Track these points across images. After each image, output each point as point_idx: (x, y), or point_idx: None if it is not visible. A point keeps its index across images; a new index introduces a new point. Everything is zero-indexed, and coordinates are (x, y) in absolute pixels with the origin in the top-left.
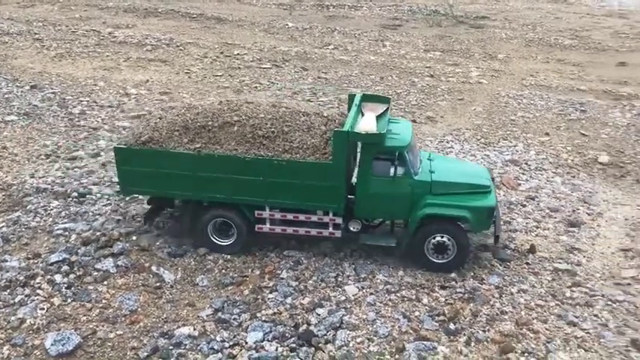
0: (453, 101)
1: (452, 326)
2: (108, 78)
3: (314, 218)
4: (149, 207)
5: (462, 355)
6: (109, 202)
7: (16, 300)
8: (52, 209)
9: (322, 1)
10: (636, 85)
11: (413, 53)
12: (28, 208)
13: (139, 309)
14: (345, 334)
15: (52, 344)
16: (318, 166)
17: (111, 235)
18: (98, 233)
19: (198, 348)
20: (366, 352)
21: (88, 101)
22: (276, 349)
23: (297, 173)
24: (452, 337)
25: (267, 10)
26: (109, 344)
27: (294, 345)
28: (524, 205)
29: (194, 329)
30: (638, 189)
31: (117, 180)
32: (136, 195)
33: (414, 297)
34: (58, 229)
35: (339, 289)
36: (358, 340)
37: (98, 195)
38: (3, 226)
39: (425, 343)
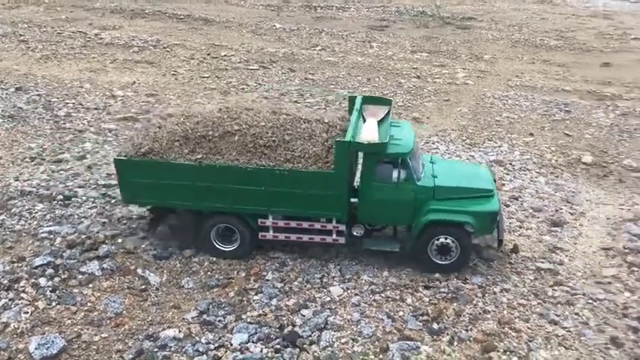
0: (439, 102)
1: (435, 326)
2: (94, 80)
3: (317, 226)
4: (151, 215)
5: (445, 354)
6: (94, 204)
7: (0, 304)
8: (36, 212)
9: (310, 2)
10: (620, 85)
11: (400, 54)
12: (12, 211)
13: (124, 312)
14: (329, 334)
15: (36, 348)
16: (320, 176)
17: (96, 237)
18: (83, 236)
19: (184, 350)
20: (350, 352)
21: (73, 103)
22: (261, 351)
23: (300, 183)
24: (435, 337)
25: (255, 11)
26: (94, 347)
27: (278, 346)
28: (507, 205)
29: (179, 331)
30: (621, 188)
31: (119, 190)
32: (139, 205)
33: (398, 297)
34: (42, 233)
35: (324, 290)
36: (343, 340)
37: (84, 198)
38: None
39: (408, 342)
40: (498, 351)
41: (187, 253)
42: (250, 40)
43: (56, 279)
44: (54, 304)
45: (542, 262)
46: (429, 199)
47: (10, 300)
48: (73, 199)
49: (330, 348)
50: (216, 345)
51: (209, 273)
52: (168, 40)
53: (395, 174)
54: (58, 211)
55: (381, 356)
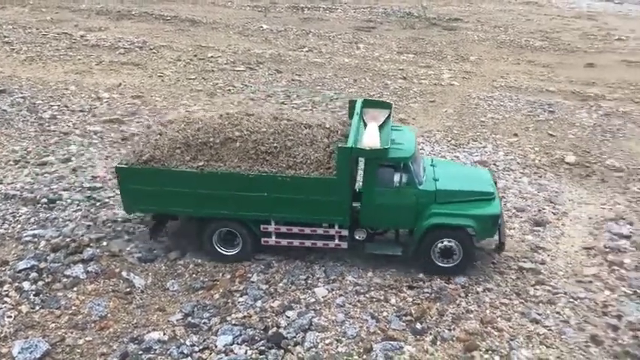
0: (424, 103)
1: (418, 326)
2: (79, 82)
3: (320, 231)
4: (153, 222)
5: (428, 354)
6: (79, 207)
7: None
8: (20, 216)
9: (297, 3)
10: (603, 85)
11: (386, 55)
12: None
13: (109, 315)
14: (314, 335)
15: (19, 352)
16: (322, 182)
17: (81, 241)
18: (68, 239)
19: (168, 352)
20: (334, 353)
21: (58, 105)
22: (246, 352)
23: (302, 189)
24: (418, 337)
25: (242, 12)
26: (78, 351)
27: (263, 348)
28: None
29: (164, 334)
30: (603, 188)
31: (120, 198)
32: (140, 213)
33: (382, 297)
34: (26, 236)
35: (309, 292)
36: (327, 341)
37: (68, 201)
38: None
39: (392, 343)
40: (480, 350)
41: (172, 256)
42: (237, 42)
43: (40, 283)
44: (38, 307)
45: (524, 262)
46: (431, 202)
47: None
48: (57, 202)
49: (314, 349)
50: (201, 347)
51: (194, 275)
52: (155, 41)
53: (397, 178)
54: (43, 214)
55: (364, 357)
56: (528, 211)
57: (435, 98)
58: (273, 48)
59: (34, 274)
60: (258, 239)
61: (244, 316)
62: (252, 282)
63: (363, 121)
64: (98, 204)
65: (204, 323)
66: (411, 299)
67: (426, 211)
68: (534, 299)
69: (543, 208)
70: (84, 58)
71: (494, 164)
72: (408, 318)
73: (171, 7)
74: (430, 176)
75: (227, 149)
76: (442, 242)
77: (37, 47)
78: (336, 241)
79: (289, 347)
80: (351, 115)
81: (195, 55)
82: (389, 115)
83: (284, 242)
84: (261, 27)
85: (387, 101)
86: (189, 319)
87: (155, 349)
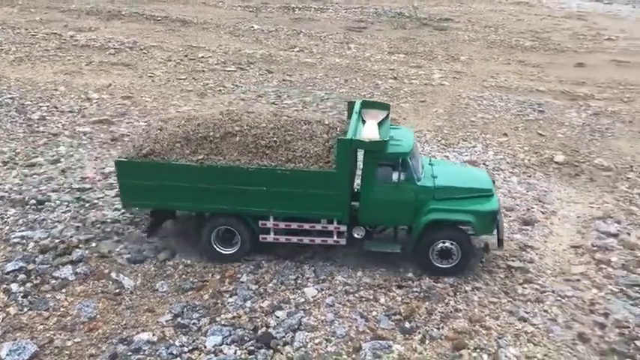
0: (415, 103)
1: (407, 325)
2: (69, 82)
3: (318, 227)
4: (151, 219)
5: (417, 352)
6: (68, 208)
7: None
8: (8, 217)
9: (288, 3)
10: (593, 85)
11: (377, 56)
12: None
13: (98, 316)
14: (303, 335)
15: (7, 354)
16: (321, 175)
17: (70, 242)
18: (57, 240)
19: (157, 353)
20: (323, 352)
21: (48, 106)
22: (235, 353)
23: (301, 182)
24: (407, 336)
25: (233, 13)
26: (67, 352)
27: (252, 348)
28: None
29: (153, 335)
30: (591, 187)
31: (118, 193)
32: (138, 208)
33: (371, 297)
34: (15, 238)
35: (299, 292)
36: (316, 341)
37: (57, 202)
38: None
39: (380, 342)
40: (469, 348)
41: (162, 257)
42: (228, 42)
43: (28, 284)
44: (26, 309)
45: (512, 261)
46: (430, 199)
47: None
48: (46, 203)
49: (303, 348)
50: (190, 348)
51: (184, 276)
52: (145, 41)
53: (395, 174)
54: (31, 215)
55: (353, 356)
56: (517, 210)
57: (425, 98)
58: (264, 48)
59: (22, 276)
60: (257, 238)
61: (234, 317)
62: (242, 282)
63: (362, 120)
64: (87, 205)
65: (193, 324)
66: (400, 298)
67: (424, 207)
68: (522, 298)
69: (532, 207)
70: (73, 59)
71: (484, 164)
72: (397, 317)
73: (162, 8)
74: (429, 173)
75: (227, 143)
76: (445, 243)
77: (26, 47)
78: (335, 238)
79: (278, 347)
80: (349, 116)
81: (186, 56)
82: (387, 115)
83: (282, 239)
84: (252, 27)
85: (386, 102)
86: (179, 319)
87: (144, 350)
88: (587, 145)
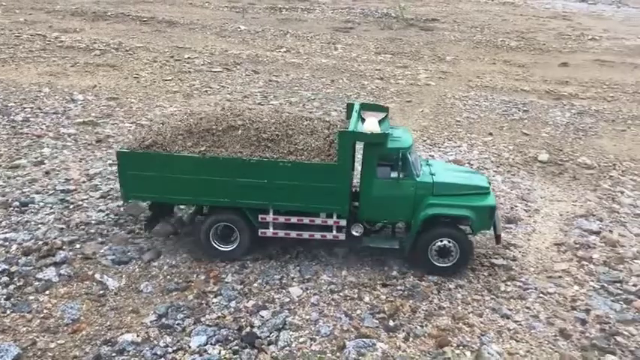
0: (401, 103)
1: (391, 323)
2: (54, 84)
3: (318, 221)
4: (150, 213)
5: (400, 350)
6: (52, 210)
7: None
8: None
9: (275, 3)
10: (577, 84)
11: (364, 56)
12: None
13: (82, 317)
14: (287, 334)
15: None
16: (323, 168)
17: (53, 243)
18: (40, 242)
19: (142, 354)
20: (307, 351)
21: (32, 108)
22: (219, 352)
23: (303, 175)
24: (391, 334)
25: (220, 13)
26: (50, 354)
27: (237, 347)
28: None
29: (137, 336)
30: (575, 186)
31: (119, 186)
32: (139, 200)
33: (356, 296)
34: None
35: (284, 291)
36: (301, 340)
37: (41, 204)
38: None
39: (364, 340)
40: (452, 346)
41: (146, 258)
42: (214, 43)
43: (11, 287)
44: (8, 312)
45: (496, 259)
46: (429, 194)
47: None
48: (29, 205)
49: (288, 348)
50: (175, 348)
51: (168, 277)
52: (131, 42)
53: (395, 170)
54: (14, 217)
55: (337, 354)
56: (501, 208)
57: (411, 98)
58: (251, 49)
59: (4, 278)
60: (256, 234)
61: (218, 317)
62: (227, 283)
63: (362, 118)
64: (71, 207)
65: (178, 324)
66: (384, 297)
67: (423, 202)
68: (505, 295)
69: (516, 206)
70: (58, 60)
71: (469, 163)
72: (381, 315)
73: (148, 8)
74: (427, 171)
75: (229, 136)
76: (443, 241)
77: (10, 49)
78: (334, 233)
79: (263, 347)
80: (349, 116)
81: (172, 57)
82: (386, 115)
83: (281, 234)
84: (239, 28)
85: (384, 105)
86: (163, 320)
87: (128, 351)
88: (571, 144)
